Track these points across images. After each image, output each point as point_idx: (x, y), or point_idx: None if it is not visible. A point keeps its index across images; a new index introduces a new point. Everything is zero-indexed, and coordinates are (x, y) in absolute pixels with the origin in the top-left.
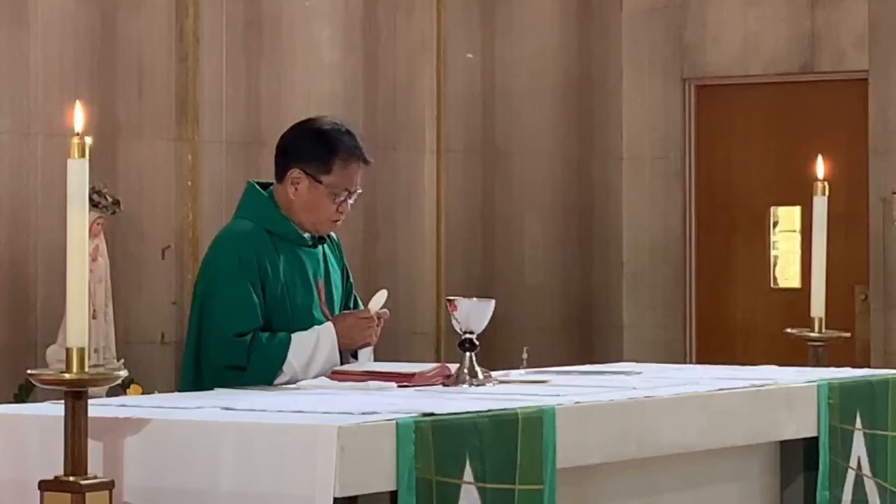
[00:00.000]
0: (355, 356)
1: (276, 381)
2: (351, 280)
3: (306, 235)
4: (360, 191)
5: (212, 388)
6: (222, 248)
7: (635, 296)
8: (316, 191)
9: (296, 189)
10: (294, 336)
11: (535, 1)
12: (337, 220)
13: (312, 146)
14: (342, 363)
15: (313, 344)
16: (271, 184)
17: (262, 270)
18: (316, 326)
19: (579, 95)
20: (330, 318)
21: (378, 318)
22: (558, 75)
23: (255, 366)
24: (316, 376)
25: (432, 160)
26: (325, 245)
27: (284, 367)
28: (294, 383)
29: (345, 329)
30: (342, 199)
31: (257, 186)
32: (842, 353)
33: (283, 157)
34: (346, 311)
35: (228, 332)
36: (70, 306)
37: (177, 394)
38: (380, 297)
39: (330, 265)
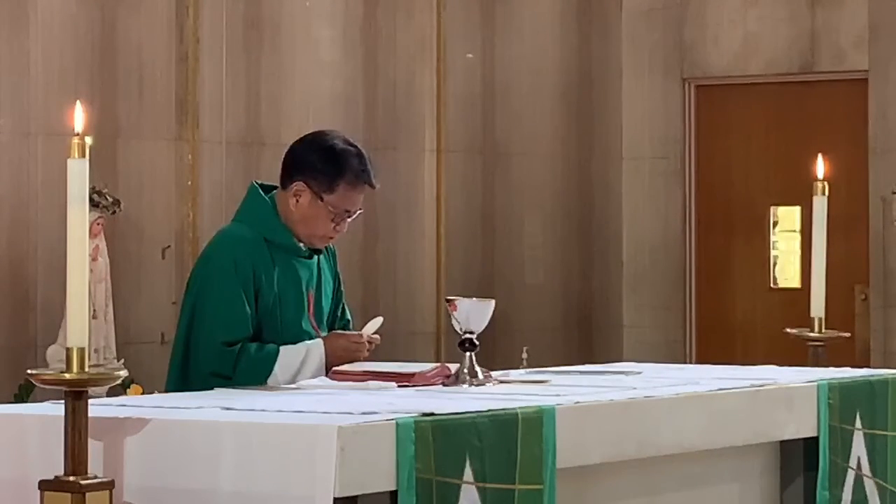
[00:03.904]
0: None
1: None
2: (342, 289)
3: (302, 245)
4: (361, 211)
5: (196, 390)
6: (220, 251)
7: (635, 296)
8: (316, 207)
9: (297, 201)
10: (282, 350)
11: (535, 1)
12: (332, 238)
13: (320, 163)
14: None
15: (301, 359)
16: (275, 187)
17: (256, 279)
18: (306, 342)
19: (579, 95)
20: (318, 331)
21: (369, 343)
22: (558, 75)
23: (241, 377)
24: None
25: (432, 160)
26: (321, 256)
27: (269, 381)
28: None
29: (334, 349)
30: (340, 219)
31: (260, 191)
32: (842, 353)
33: (289, 167)
34: (338, 332)
35: (217, 340)
36: (70, 306)
37: (177, 394)
38: (374, 324)
39: (323, 275)
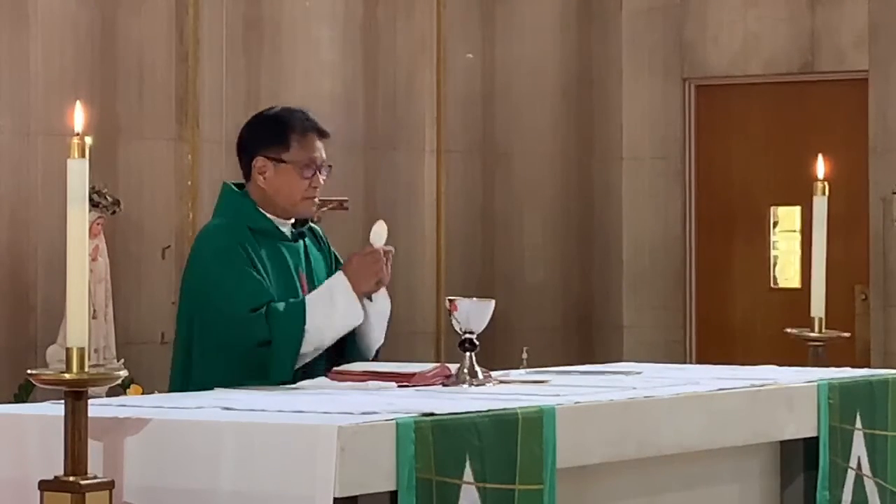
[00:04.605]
0: (370, 299)
1: (304, 348)
2: (342, 263)
3: (285, 230)
4: (330, 165)
5: (229, 379)
6: (206, 242)
7: (635, 296)
8: (282, 171)
9: (263, 177)
10: (307, 297)
11: (535, 1)
12: (313, 197)
13: (266, 131)
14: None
15: (328, 296)
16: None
17: (248, 257)
18: (324, 281)
19: (579, 95)
20: None
21: (385, 254)
22: (558, 75)
23: (279, 334)
24: (340, 330)
25: (432, 160)
26: (307, 239)
27: (308, 327)
28: (321, 348)
29: (353, 271)
30: (311, 173)
31: (233, 186)
32: (842, 353)
33: (243, 153)
34: (350, 255)
35: (243, 311)
36: (70, 306)
37: (177, 394)
38: (379, 230)
39: (312, 257)
